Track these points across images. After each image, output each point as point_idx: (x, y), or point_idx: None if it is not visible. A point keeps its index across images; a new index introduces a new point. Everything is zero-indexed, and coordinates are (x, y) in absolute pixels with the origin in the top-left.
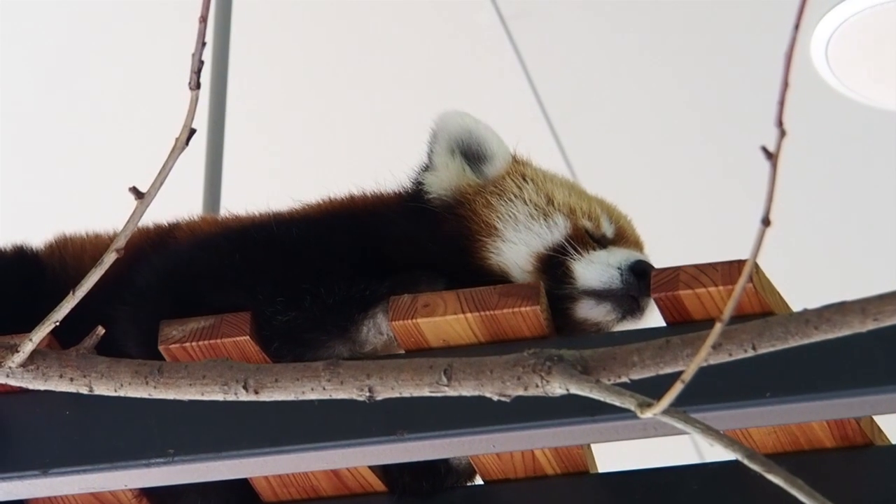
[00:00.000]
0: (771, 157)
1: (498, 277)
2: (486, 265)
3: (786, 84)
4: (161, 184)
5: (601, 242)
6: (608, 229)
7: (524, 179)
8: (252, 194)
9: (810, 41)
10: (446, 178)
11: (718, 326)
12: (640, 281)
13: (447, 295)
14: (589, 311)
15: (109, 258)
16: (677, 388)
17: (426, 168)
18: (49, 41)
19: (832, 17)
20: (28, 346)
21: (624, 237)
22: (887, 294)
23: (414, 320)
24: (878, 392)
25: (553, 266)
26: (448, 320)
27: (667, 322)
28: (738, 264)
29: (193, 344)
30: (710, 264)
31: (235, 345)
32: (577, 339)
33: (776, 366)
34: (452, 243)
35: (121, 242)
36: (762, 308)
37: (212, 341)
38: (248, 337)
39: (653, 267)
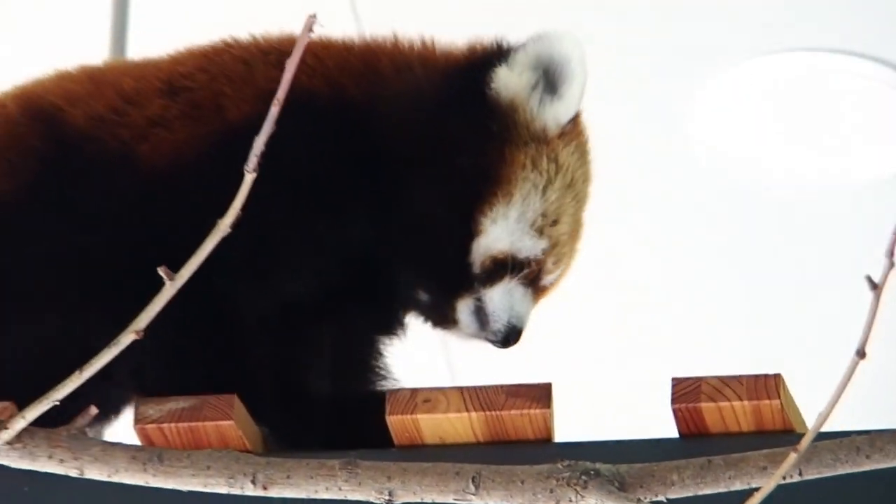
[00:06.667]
0: (875, 287)
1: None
2: (470, 226)
3: None
4: (195, 267)
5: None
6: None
7: (557, 165)
8: None
9: (690, 112)
10: (514, 86)
11: (793, 456)
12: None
13: (450, 391)
14: (468, 321)
15: (126, 339)
16: None
17: (502, 62)
18: None
19: (713, 86)
20: (19, 424)
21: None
22: None
23: (413, 416)
24: None
25: (492, 273)
26: (449, 418)
27: (680, 433)
28: (765, 379)
29: (171, 426)
30: (735, 377)
31: (217, 429)
32: (612, 448)
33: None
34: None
35: (142, 324)
36: (784, 425)
37: (192, 424)
38: (232, 422)
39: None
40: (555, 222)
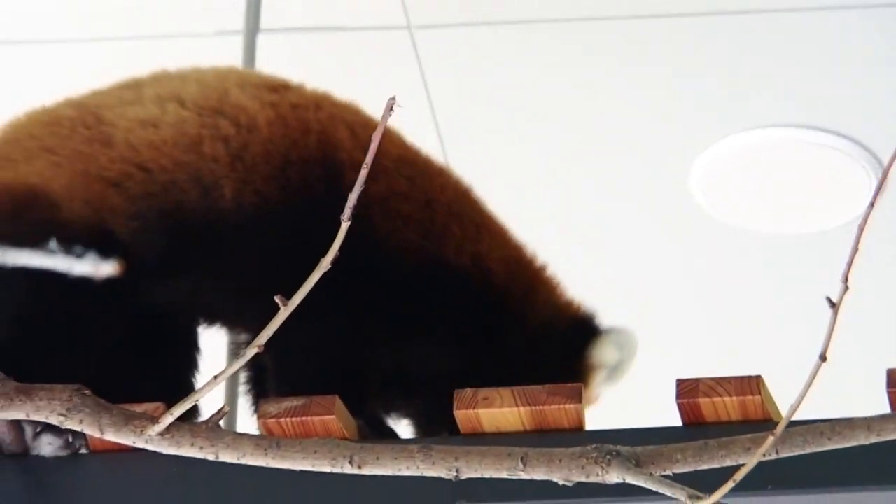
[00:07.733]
0: (834, 306)
1: None
2: None
3: (855, 249)
4: (303, 296)
5: None
6: None
7: None
8: None
9: (689, 174)
10: (602, 361)
11: (771, 439)
12: None
13: (503, 391)
14: None
15: (251, 352)
16: (728, 485)
17: (594, 336)
18: None
19: (708, 155)
20: (168, 419)
21: None
22: (889, 415)
23: (475, 410)
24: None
25: None
26: (503, 412)
27: (683, 422)
28: (749, 379)
29: (287, 420)
30: (725, 378)
31: (322, 423)
32: (630, 435)
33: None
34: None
35: (262, 340)
36: (764, 416)
37: (303, 418)
38: (334, 416)
39: None
40: None
